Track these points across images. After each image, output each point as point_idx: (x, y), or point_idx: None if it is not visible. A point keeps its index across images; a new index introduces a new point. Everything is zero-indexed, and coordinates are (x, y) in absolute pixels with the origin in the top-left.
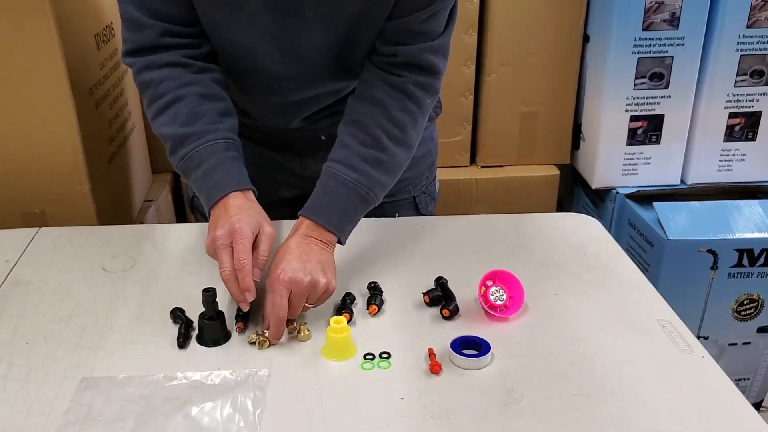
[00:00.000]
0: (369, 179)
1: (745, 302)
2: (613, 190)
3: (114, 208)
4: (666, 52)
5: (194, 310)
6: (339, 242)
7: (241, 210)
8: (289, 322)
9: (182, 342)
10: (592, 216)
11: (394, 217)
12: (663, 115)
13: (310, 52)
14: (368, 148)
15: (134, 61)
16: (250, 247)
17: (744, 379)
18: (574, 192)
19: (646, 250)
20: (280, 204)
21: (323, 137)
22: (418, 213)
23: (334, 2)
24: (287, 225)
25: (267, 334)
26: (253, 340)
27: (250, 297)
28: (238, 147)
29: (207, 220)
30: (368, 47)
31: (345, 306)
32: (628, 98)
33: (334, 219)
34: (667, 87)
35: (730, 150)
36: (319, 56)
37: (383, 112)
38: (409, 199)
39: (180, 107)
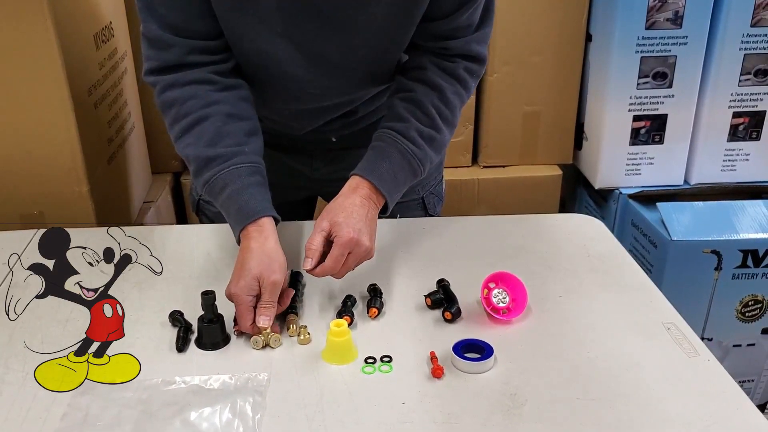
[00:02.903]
0: (423, 154)
1: (750, 303)
2: (616, 191)
3: (113, 209)
4: (669, 51)
5: (193, 313)
6: (381, 212)
7: (243, 264)
8: (290, 324)
9: (181, 345)
10: (595, 216)
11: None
12: (666, 115)
13: (334, 57)
14: (425, 126)
15: (158, 80)
16: (244, 313)
17: (748, 381)
18: (576, 192)
19: (650, 251)
20: (292, 206)
21: (334, 139)
22: (427, 214)
23: (354, 5)
24: (301, 226)
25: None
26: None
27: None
28: (263, 171)
29: (212, 222)
30: (395, 55)
31: (346, 309)
32: (631, 98)
33: (389, 185)
34: (670, 86)
35: (733, 150)
36: (342, 61)
37: (439, 95)
38: (417, 200)
39: (205, 127)
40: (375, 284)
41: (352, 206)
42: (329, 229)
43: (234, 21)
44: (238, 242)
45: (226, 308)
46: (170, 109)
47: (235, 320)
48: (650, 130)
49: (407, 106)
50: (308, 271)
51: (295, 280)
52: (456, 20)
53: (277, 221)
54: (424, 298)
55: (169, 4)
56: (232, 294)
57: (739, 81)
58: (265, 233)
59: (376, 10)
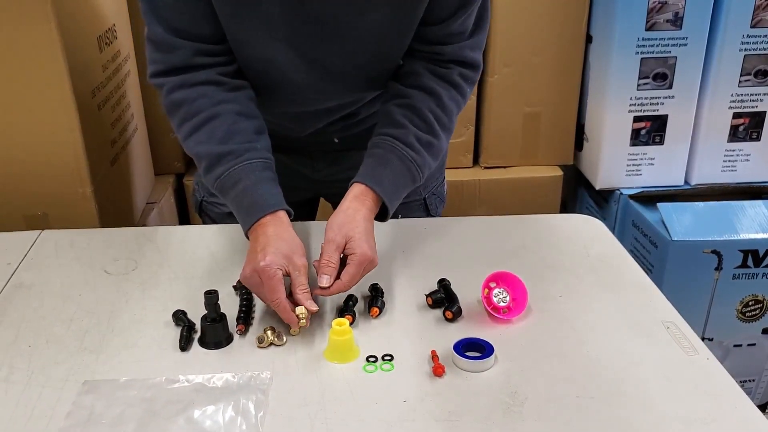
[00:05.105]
0: (422, 160)
1: (750, 303)
2: (617, 191)
3: (116, 210)
4: (669, 52)
5: (196, 313)
6: (380, 218)
7: (268, 243)
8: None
9: (184, 344)
10: (596, 217)
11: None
12: (666, 116)
13: (334, 63)
14: (423, 132)
15: (165, 81)
16: (278, 285)
17: (749, 381)
18: (577, 193)
19: (650, 251)
20: (293, 206)
21: (336, 140)
22: (428, 215)
23: (354, 12)
24: (303, 226)
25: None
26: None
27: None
28: (274, 167)
29: (215, 223)
30: (395, 60)
31: (347, 308)
32: (631, 99)
33: (390, 193)
34: (670, 87)
35: (734, 150)
36: (342, 66)
37: (435, 100)
38: (419, 201)
39: (216, 125)
40: (376, 284)
41: (364, 221)
42: (344, 245)
43: (235, 26)
44: (247, 235)
45: (228, 308)
46: (179, 108)
47: (237, 319)
48: (650, 130)
49: (404, 112)
50: (320, 290)
51: None
52: (450, 26)
53: (290, 216)
54: (425, 297)
55: (174, 8)
56: (259, 269)
57: (739, 82)
58: (284, 224)
59: (376, 17)
